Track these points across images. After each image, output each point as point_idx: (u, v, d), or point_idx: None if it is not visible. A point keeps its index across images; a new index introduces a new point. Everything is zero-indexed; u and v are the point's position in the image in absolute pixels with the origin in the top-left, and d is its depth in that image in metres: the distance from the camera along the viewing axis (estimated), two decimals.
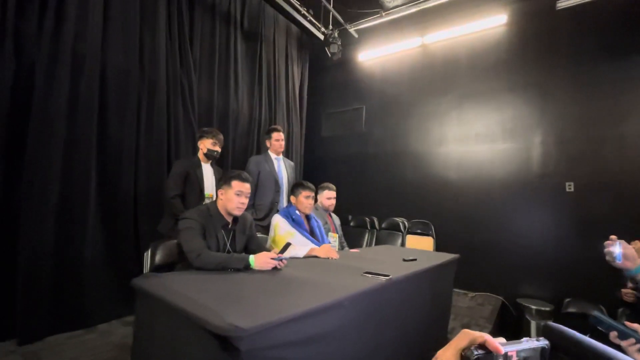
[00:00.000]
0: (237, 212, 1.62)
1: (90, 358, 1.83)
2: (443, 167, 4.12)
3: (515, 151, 3.64)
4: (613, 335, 0.82)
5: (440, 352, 0.41)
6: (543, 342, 0.43)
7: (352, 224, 4.59)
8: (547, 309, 3.08)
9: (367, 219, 4.52)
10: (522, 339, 0.43)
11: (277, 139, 2.91)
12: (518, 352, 0.41)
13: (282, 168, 2.97)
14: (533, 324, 3.07)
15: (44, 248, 2.06)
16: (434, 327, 1.98)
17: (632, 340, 0.79)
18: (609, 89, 3.10)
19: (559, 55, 3.40)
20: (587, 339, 0.46)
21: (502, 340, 0.42)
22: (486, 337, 0.40)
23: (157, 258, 1.61)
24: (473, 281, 3.56)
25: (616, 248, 1.04)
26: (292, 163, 3.18)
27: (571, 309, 3.01)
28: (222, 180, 1.65)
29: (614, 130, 3.07)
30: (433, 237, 4.01)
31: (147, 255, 1.63)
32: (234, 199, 1.59)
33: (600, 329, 0.86)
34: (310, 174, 4.76)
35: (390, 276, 1.45)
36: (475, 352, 0.40)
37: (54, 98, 2.13)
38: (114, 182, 2.47)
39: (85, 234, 2.28)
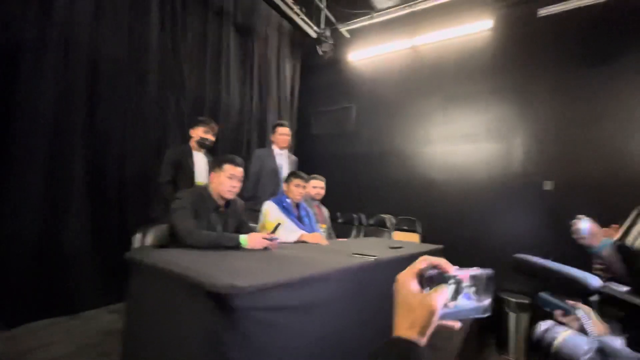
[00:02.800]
0: (229, 195, 1.64)
1: (73, 343, 1.80)
2: (429, 166, 4.24)
3: (498, 151, 3.78)
4: (558, 313, 0.88)
5: (400, 274, 0.48)
6: (489, 271, 0.48)
7: (339, 220, 4.64)
8: (526, 301, 3.20)
9: (354, 215, 4.58)
10: (472, 268, 0.49)
11: (281, 134, 2.97)
12: (469, 276, 0.47)
13: (284, 162, 3.03)
14: (512, 316, 3.19)
15: (26, 234, 2.02)
16: None
17: (573, 316, 0.85)
18: (586, 93, 3.28)
19: (539, 60, 3.56)
20: (546, 261, 0.53)
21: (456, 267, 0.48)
22: (441, 260, 0.46)
23: (148, 240, 1.62)
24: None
25: (583, 224, 1.13)
26: (295, 158, 3.24)
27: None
28: (215, 163, 1.67)
29: (589, 132, 3.24)
30: (419, 234, 4.10)
31: (136, 238, 1.63)
32: (226, 182, 1.61)
33: (546, 309, 0.91)
34: (300, 170, 4.79)
35: (378, 256, 1.50)
36: (429, 271, 0.45)
37: (40, 86, 2.09)
38: (100, 170, 2.44)
39: (70, 221, 2.24)
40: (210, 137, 2.47)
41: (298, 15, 4.10)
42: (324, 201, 2.89)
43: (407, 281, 0.46)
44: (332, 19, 4.42)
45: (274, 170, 2.94)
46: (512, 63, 3.73)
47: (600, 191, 3.12)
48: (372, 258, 1.47)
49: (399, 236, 4.18)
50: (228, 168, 1.62)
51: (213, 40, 3.40)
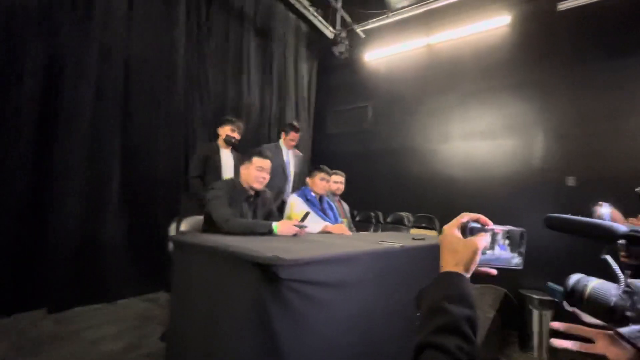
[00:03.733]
0: (258, 186, 1.74)
1: (114, 326, 1.93)
2: (448, 163, 4.24)
3: (517, 147, 3.75)
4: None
5: (445, 226, 0.55)
6: (522, 229, 0.57)
7: (357, 218, 4.69)
8: (549, 298, 3.16)
9: (372, 213, 4.62)
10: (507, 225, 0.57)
11: (292, 139, 3.09)
12: (503, 231, 0.56)
13: (291, 159, 3.15)
14: (535, 313, 3.16)
15: (71, 226, 2.18)
16: None
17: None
18: (605, 86, 3.23)
19: (559, 54, 3.53)
20: (575, 217, 0.59)
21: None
22: (480, 215, 0.54)
23: (182, 229, 1.73)
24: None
25: (605, 209, 1.16)
26: (300, 154, 3.33)
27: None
28: (245, 157, 1.77)
29: (612, 126, 3.19)
30: (437, 231, 4.11)
31: (172, 228, 1.74)
32: (254, 173, 1.72)
33: (555, 299, 0.94)
34: None
35: (403, 244, 1.56)
36: (471, 223, 0.53)
37: (82, 86, 2.26)
38: (135, 165, 2.59)
39: (109, 214, 2.39)
40: (236, 135, 2.59)
41: (315, 17, 4.20)
42: (342, 198, 2.95)
43: (452, 230, 0.54)
44: (348, 19, 4.49)
45: (281, 166, 3.06)
46: (531, 58, 3.70)
47: (625, 185, 3.05)
48: (398, 245, 1.53)
49: (417, 233, 4.20)
50: (256, 161, 1.73)
51: (235, 42, 3.54)
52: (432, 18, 4.32)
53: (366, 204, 4.70)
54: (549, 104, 3.56)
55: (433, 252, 1.92)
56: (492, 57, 3.96)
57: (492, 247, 0.55)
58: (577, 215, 0.58)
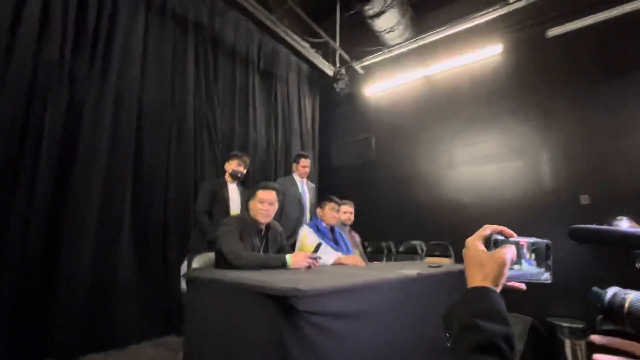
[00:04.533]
0: (262, 219, 1.73)
1: None
2: (455, 189, 4.21)
3: (525, 169, 3.74)
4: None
5: (468, 240, 0.54)
6: (547, 240, 0.54)
7: (369, 249, 4.59)
8: (581, 326, 2.97)
9: (383, 244, 4.52)
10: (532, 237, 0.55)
11: (304, 165, 3.17)
12: (528, 243, 0.53)
13: (305, 190, 3.20)
14: (567, 343, 2.95)
15: (81, 270, 2.16)
16: None
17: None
18: (608, 105, 3.27)
19: (554, 78, 3.63)
20: (600, 226, 0.56)
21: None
22: (503, 227, 0.53)
23: (194, 265, 1.71)
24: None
25: (625, 223, 1.12)
26: (313, 185, 3.39)
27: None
28: (250, 192, 1.79)
29: (619, 143, 3.18)
30: (452, 259, 3.98)
31: (183, 266, 1.72)
32: (258, 206, 1.72)
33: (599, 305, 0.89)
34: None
35: (421, 272, 1.51)
36: (495, 236, 0.51)
37: (98, 130, 2.36)
38: (146, 206, 2.62)
39: (119, 257, 2.38)
40: (242, 170, 2.64)
41: (315, 57, 4.45)
42: (352, 229, 2.92)
43: (475, 243, 0.52)
44: (347, 57, 4.73)
45: (297, 198, 3.10)
46: (527, 83, 3.80)
47: (638, 201, 2.98)
48: (415, 272, 1.48)
49: (432, 262, 4.07)
50: (259, 193, 1.74)
51: (241, 84, 3.73)
52: (427, 51, 4.52)
53: (376, 235, 4.62)
54: (551, 125, 3.60)
55: (453, 279, 1.86)
56: (489, 83, 4.08)
57: (518, 262, 0.52)
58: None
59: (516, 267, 0.52)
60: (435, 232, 4.20)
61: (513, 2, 3.39)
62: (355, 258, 1.97)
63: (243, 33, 3.81)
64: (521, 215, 3.64)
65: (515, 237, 0.53)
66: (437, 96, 4.51)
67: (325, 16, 4.57)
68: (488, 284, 0.47)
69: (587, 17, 3.36)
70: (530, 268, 0.53)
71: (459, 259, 3.20)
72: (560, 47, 3.61)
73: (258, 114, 3.91)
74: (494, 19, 3.70)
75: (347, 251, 2.19)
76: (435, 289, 1.63)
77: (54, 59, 2.17)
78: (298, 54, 4.39)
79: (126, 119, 2.55)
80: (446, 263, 3.94)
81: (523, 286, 0.53)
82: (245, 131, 3.70)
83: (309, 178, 4.62)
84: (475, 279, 0.49)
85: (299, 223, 2.95)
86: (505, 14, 3.58)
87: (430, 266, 2.04)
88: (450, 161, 4.31)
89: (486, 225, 0.55)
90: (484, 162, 4.03)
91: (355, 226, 2.99)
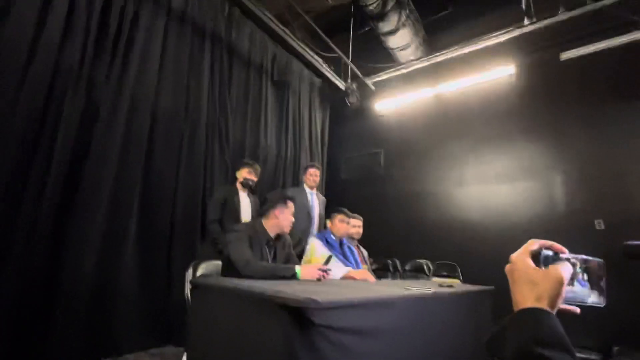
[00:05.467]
0: (288, 230, 1.76)
1: None
2: (465, 207, 4.14)
3: (537, 190, 3.67)
4: None
5: (513, 255, 0.49)
6: (599, 259, 0.49)
7: (373, 266, 4.48)
8: (595, 357, 2.84)
9: (389, 261, 4.42)
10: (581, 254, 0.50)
11: (312, 174, 3.16)
12: (580, 260, 0.48)
13: (315, 201, 3.17)
14: None
15: (84, 277, 2.11)
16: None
17: None
18: (622, 128, 3.23)
19: (567, 100, 3.61)
20: None
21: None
22: (552, 242, 0.48)
23: (199, 273, 1.66)
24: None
25: None
26: (324, 198, 3.36)
27: (623, 358, 2.77)
28: (279, 200, 1.75)
29: (633, 168, 3.13)
30: (460, 280, 3.87)
31: (188, 274, 1.67)
32: (289, 218, 1.73)
33: None
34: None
35: (434, 291, 1.45)
36: (545, 251, 0.47)
37: (111, 136, 2.35)
38: (153, 214, 2.58)
39: (122, 264, 2.32)
40: (253, 178, 2.62)
41: (327, 71, 4.50)
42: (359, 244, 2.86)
43: (524, 259, 0.47)
44: (358, 73, 4.77)
45: (307, 209, 3.07)
46: (541, 103, 3.78)
47: None
48: (430, 291, 1.42)
49: (441, 281, 3.95)
50: (291, 206, 1.75)
51: (254, 94, 3.76)
52: (438, 70, 4.54)
53: (382, 251, 4.52)
54: (564, 146, 3.55)
55: (467, 300, 1.78)
56: (501, 103, 4.07)
57: (570, 282, 0.47)
58: None
59: (568, 287, 0.46)
60: (443, 251, 4.10)
61: (527, 25, 3.41)
62: (364, 273, 1.90)
63: (258, 44, 3.87)
64: (533, 236, 3.53)
65: (567, 254, 0.48)
66: (447, 114, 4.51)
67: (338, 31, 4.64)
68: (543, 306, 0.42)
69: (601, 42, 3.36)
70: (582, 289, 0.48)
71: (467, 280, 3.10)
72: (573, 70, 3.61)
73: (269, 123, 3.93)
74: (507, 41, 3.72)
75: (356, 266, 2.13)
76: (449, 308, 1.56)
77: (74, 64, 2.19)
78: (311, 66, 4.44)
79: (139, 125, 2.55)
80: (455, 284, 3.84)
81: (577, 309, 0.48)
82: (256, 140, 3.71)
83: (318, 190, 4.61)
84: (527, 300, 0.44)
85: (305, 234, 2.91)
86: (518, 36, 3.60)
87: (441, 286, 1.97)
88: (460, 180, 4.26)
89: (532, 240, 0.50)
90: (495, 181, 3.98)
91: (361, 241, 2.93)
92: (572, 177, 3.48)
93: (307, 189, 3.16)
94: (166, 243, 2.63)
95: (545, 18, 3.30)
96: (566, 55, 3.65)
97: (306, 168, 3.25)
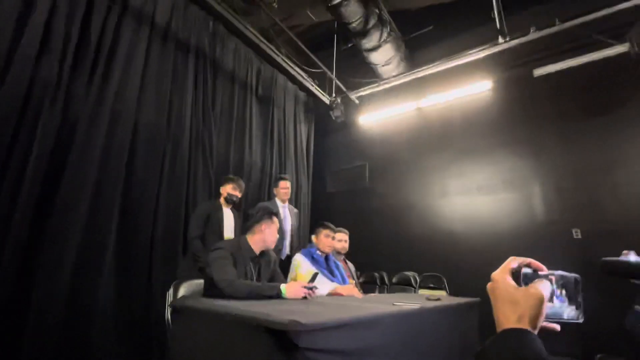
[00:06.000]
0: (272, 246, 1.73)
1: None
2: (449, 218, 4.20)
3: (517, 201, 3.77)
4: None
5: (494, 274, 0.49)
6: (576, 275, 0.50)
7: (361, 279, 4.45)
8: None
9: (376, 274, 4.41)
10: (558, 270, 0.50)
11: (284, 187, 3.13)
12: (556, 276, 0.49)
13: (287, 216, 3.12)
14: None
15: (59, 292, 2.01)
16: None
17: None
18: (595, 141, 3.39)
19: (541, 115, 3.77)
20: (628, 258, 0.53)
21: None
22: (531, 260, 0.49)
23: (181, 293, 1.59)
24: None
25: (633, 257, 1.11)
26: (296, 210, 3.32)
27: None
28: (264, 215, 1.71)
29: (607, 179, 3.27)
30: (446, 291, 3.88)
31: (169, 294, 1.61)
32: (275, 233, 1.70)
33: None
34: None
35: (421, 306, 1.44)
36: (524, 269, 0.48)
37: (90, 149, 2.27)
38: (133, 229, 2.49)
39: (100, 281, 2.22)
40: (237, 194, 2.57)
41: (312, 85, 4.55)
42: (345, 257, 2.84)
43: (504, 278, 0.47)
44: (342, 87, 4.85)
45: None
46: (517, 118, 3.94)
47: (628, 239, 3.00)
48: (417, 306, 1.41)
49: (426, 294, 3.96)
50: (276, 221, 1.72)
51: (238, 109, 3.74)
52: (420, 85, 4.66)
53: (369, 264, 4.51)
54: (541, 159, 3.68)
55: (453, 312, 1.78)
56: (480, 117, 4.21)
57: (550, 299, 0.47)
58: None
59: (548, 304, 0.47)
60: (429, 262, 4.13)
61: (502, 43, 3.58)
62: (351, 288, 1.88)
63: (243, 59, 3.89)
64: (514, 246, 3.62)
65: (545, 271, 0.49)
66: (429, 127, 4.62)
67: (323, 47, 4.73)
68: (525, 326, 0.42)
69: (570, 59, 3.56)
70: (561, 305, 0.48)
71: (453, 291, 3.12)
72: (547, 86, 3.78)
73: (254, 138, 3.91)
74: (484, 57, 3.88)
75: (343, 281, 2.10)
76: (436, 322, 1.55)
77: (52, 75, 2.13)
78: (295, 81, 4.49)
79: (120, 138, 2.48)
80: (442, 296, 3.85)
81: (557, 327, 0.48)
82: (240, 155, 3.67)
83: (300, 205, 4.57)
84: (509, 320, 0.43)
85: (278, 249, 2.87)
86: (494, 53, 3.77)
87: (428, 299, 1.96)
88: (443, 191, 4.33)
89: (512, 257, 0.51)
90: (477, 193, 4.07)
91: (347, 255, 2.91)
92: (549, 189, 3.60)
93: (279, 203, 3.12)
94: (147, 260, 2.53)
95: (518, 37, 3.47)
96: (539, 72, 3.84)
97: (277, 181, 3.20)
